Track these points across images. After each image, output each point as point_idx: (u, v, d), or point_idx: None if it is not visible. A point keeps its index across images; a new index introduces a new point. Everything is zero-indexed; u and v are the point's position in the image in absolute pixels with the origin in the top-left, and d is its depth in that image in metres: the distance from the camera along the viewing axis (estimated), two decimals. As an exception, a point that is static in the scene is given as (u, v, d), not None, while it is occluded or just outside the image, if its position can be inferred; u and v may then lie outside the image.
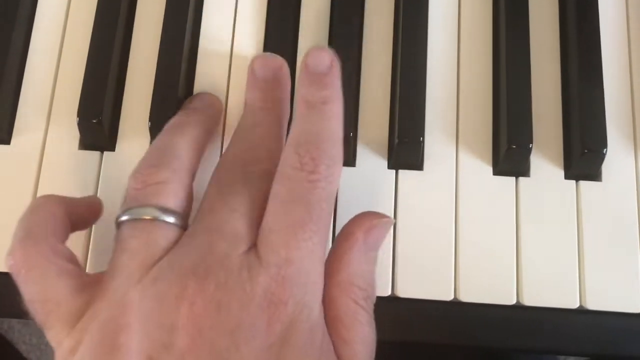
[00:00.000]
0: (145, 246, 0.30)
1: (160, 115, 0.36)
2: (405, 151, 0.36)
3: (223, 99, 0.38)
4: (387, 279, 0.36)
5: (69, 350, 0.29)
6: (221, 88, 0.38)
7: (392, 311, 0.32)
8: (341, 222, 0.36)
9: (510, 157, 0.36)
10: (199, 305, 0.28)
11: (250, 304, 0.28)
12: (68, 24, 0.40)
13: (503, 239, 0.36)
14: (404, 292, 0.36)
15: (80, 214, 0.34)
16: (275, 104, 0.35)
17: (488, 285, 0.36)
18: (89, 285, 0.31)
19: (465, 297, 0.36)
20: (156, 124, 0.36)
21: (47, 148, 0.37)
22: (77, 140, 0.38)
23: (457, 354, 0.58)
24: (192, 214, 0.33)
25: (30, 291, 0.30)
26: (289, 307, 0.28)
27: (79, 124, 0.36)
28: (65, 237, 0.32)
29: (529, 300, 0.36)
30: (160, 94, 0.37)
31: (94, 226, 0.36)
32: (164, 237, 0.30)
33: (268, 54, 0.37)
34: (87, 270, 0.36)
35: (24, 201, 0.36)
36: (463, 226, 0.36)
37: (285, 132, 0.35)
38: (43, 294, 0.30)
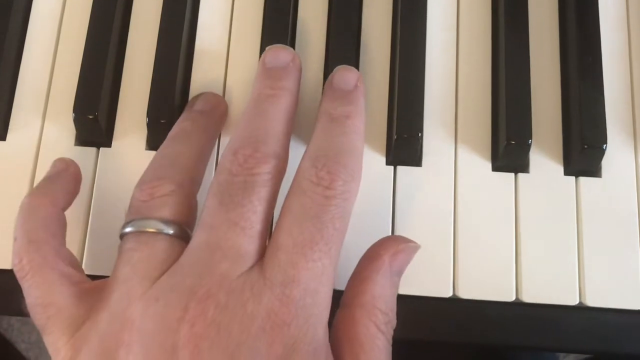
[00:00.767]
0: (148, 260, 0.30)
1: (158, 111, 0.36)
2: (404, 147, 0.36)
3: (220, 91, 0.38)
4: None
5: (68, 359, 0.29)
6: (218, 83, 0.38)
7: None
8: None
9: (509, 153, 0.36)
10: (199, 326, 0.27)
11: (252, 325, 0.28)
12: (64, 19, 0.39)
13: (502, 235, 0.36)
14: (402, 289, 0.35)
15: (69, 192, 0.34)
16: (286, 92, 0.33)
17: (487, 282, 0.36)
18: (90, 293, 0.31)
19: (464, 293, 0.35)
20: (154, 120, 0.36)
21: (43, 144, 0.37)
22: (73, 136, 0.37)
23: (455, 352, 0.58)
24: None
25: (32, 295, 0.31)
26: (292, 328, 0.28)
27: (75, 120, 0.36)
28: (64, 233, 0.33)
29: (528, 297, 0.35)
30: (158, 90, 0.36)
31: (89, 226, 0.36)
32: (167, 250, 0.30)
33: (280, 45, 0.35)
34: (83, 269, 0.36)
35: (20, 198, 0.35)
36: (462, 222, 0.36)
37: (292, 125, 0.34)
38: (44, 298, 0.30)
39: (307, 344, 0.28)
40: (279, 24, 0.38)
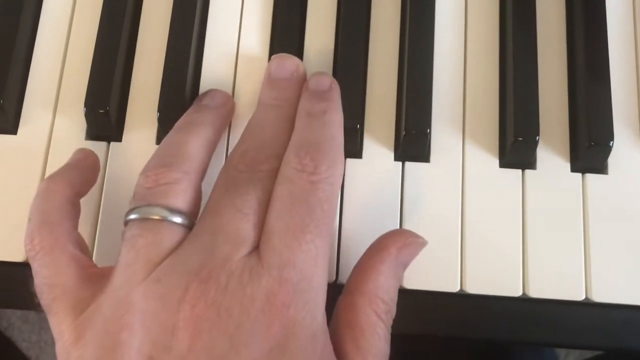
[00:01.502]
0: (152, 246, 0.30)
1: (169, 105, 0.36)
2: (412, 143, 0.36)
3: (230, 90, 0.38)
4: (393, 271, 0.36)
5: (71, 342, 0.30)
6: (228, 78, 0.38)
7: (398, 303, 0.32)
8: (348, 215, 0.36)
9: (516, 150, 0.36)
10: (199, 307, 0.28)
11: (251, 307, 0.28)
12: (75, 14, 0.40)
13: (509, 231, 0.36)
14: (410, 283, 0.36)
15: (87, 181, 0.35)
16: (288, 103, 0.35)
17: (494, 277, 0.36)
18: (96, 278, 0.31)
19: (472, 288, 0.36)
20: (165, 114, 0.36)
21: (53, 138, 0.37)
22: (83, 130, 0.38)
23: (459, 346, 0.58)
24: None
25: (40, 275, 0.31)
26: (291, 310, 0.29)
27: (86, 115, 0.36)
28: (78, 218, 0.33)
29: (534, 293, 0.36)
30: (169, 84, 0.37)
31: (100, 220, 0.36)
32: (171, 237, 0.31)
33: (285, 55, 0.37)
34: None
35: (31, 192, 0.36)
36: (469, 218, 0.36)
37: (293, 127, 0.35)
38: (52, 279, 0.31)
39: (306, 327, 0.29)
40: (289, 21, 0.39)
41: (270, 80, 0.37)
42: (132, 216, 0.31)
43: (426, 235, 0.34)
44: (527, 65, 0.37)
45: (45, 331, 1.11)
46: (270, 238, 0.30)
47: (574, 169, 0.37)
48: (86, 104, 0.36)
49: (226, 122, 0.37)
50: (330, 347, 0.30)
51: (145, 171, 0.32)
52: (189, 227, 0.31)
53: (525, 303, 0.36)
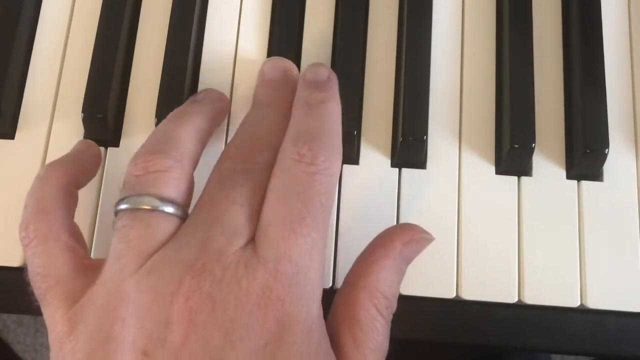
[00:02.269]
0: (143, 237, 0.30)
1: (167, 111, 0.36)
2: (409, 149, 0.37)
3: (228, 94, 0.38)
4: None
5: (64, 333, 0.29)
6: (226, 84, 0.39)
7: (394, 308, 0.33)
8: (344, 221, 0.36)
9: (512, 157, 0.37)
10: (194, 301, 0.28)
11: (246, 301, 0.28)
12: (73, 19, 0.40)
13: (505, 237, 0.36)
14: (406, 289, 0.36)
15: (86, 172, 0.34)
16: (282, 102, 0.35)
17: (490, 283, 0.36)
18: (90, 269, 0.31)
19: (467, 295, 0.36)
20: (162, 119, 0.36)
21: (51, 143, 0.37)
22: (80, 135, 0.38)
23: (452, 351, 0.58)
24: (193, 201, 0.33)
25: (34, 263, 0.31)
26: (286, 305, 0.28)
27: (84, 120, 0.36)
28: (74, 207, 0.33)
29: (530, 299, 0.36)
30: (167, 90, 0.37)
31: (97, 225, 0.36)
32: (162, 227, 0.30)
33: (278, 57, 0.37)
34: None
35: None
36: (465, 225, 0.37)
37: (288, 122, 0.34)
38: (45, 268, 0.30)
39: (302, 321, 0.28)
40: (286, 26, 0.39)
41: (263, 81, 0.37)
42: (122, 206, 0.30)
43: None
44: (523, 73, 0.37)
45: (41, 334, 1.10)
46: (266, 230, 0.29)
47: (569, 176, 0.38)
48: (84, 109, 0.36)
49: (220, 116, 0.37)
50: (326, 340, 0.30)
51: (135, 159, 0.31)
52: (182, 217, 0.31)
53: (520, 309, 0.36)
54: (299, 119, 0.33)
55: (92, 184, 0.36)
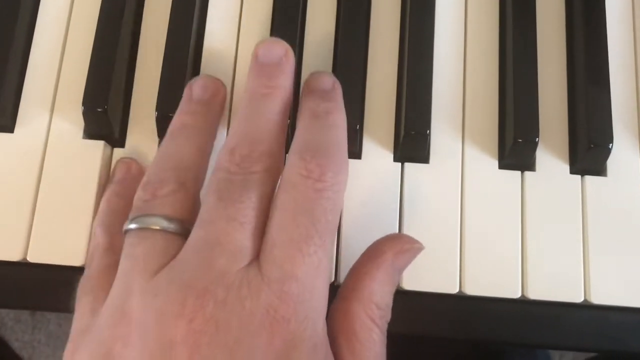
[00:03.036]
0: (149, 254, 0.30)
1: (168, 105, 0.36)
2: (412, 144, 0.36)
3: (228, 87, 0.38)
4: (392, 272, 0.35)
5: (70, 351, 0.31)
6: (227, 77, 0.38)
7: (397, 304, 0.32)
8: (347, 215, 0.36)
9: (516, 151, 0.36)
10: (197, 322, 0.27)
11: (251, 322, 0.28)
12: (73, 11, 0.39)
13: (508, 232, 0.36)
14: (409, 284, 0.36)
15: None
16: (279, 91, 0.33)
17: (493, 278, 0.36)
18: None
19: (470, 290, 0.36)
20: (163, 115, 0.36)
21: (51, 136, 0.37)
22: (81, 128, 0.37)
23: (451, 347, 0.58)
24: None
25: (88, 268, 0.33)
26: (291, 324, 0.28)
27: (84, 113, 0.36)
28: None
29: (533, 294, 0.36)
30: (167, 84, 0.36)
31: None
32: (168, 245, 0.30)
33: (273, 38, 0.35)
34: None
35: (28, 189, 0.36)
36: (468, 220, 0.36)
37: (287, 122, 0.34)
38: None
39: (307, 339, 0.28)
40: (288, 19, 0.38)
41: (257, 66, 0.34)
42: (131, 226, 0.31)
43: (425, 236, 0.34)
44: (527, 67, 0.37)
45: (38, 331, 1.10)
46: (272, 250, 0.29)
47: (573, 170, 0.37)
48: (84, 103, 0.36)
49: (220, 114, 0.36)
50: (331, 356, 0.30)
51: (144, 185, 0.32)
52: (187, 235, 0.31)
53: (523, 305, 0.36)
54: (305, 131, 0.32)
55: (91, 180, 0.36)
